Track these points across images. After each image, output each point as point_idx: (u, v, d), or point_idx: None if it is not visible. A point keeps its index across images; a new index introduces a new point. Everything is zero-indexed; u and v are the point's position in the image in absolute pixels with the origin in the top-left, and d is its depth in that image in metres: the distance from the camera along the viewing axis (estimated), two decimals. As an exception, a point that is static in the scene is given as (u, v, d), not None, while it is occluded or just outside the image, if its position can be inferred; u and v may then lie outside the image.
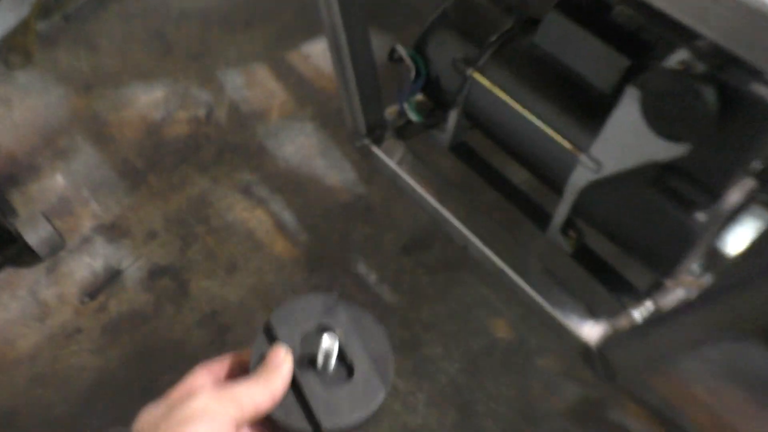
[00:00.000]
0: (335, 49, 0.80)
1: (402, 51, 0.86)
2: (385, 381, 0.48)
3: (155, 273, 1.35)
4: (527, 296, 0.69)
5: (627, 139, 0.62)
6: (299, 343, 0.49)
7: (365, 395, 0.47)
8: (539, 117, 0.71)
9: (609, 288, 0.71)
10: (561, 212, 0.70)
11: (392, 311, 1.27)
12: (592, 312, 0.69)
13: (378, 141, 0.97)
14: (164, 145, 1.53)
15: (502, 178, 0.85)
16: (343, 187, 1.44)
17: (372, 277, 1.31)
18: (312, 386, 0.47)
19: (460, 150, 0.87)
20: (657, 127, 0.57)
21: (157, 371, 1.22)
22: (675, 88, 0.54)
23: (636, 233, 0.66)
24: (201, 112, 1.57)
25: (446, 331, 1.23)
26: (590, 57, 0.66)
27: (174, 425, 0.40)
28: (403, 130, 0.98)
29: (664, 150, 0.58)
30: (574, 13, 0.67)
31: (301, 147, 1.50)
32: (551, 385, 1.15)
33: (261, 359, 0.47)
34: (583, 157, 0.67)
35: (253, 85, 1.61)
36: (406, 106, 0.92)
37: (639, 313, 0.68)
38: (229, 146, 1.52)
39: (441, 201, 0.78)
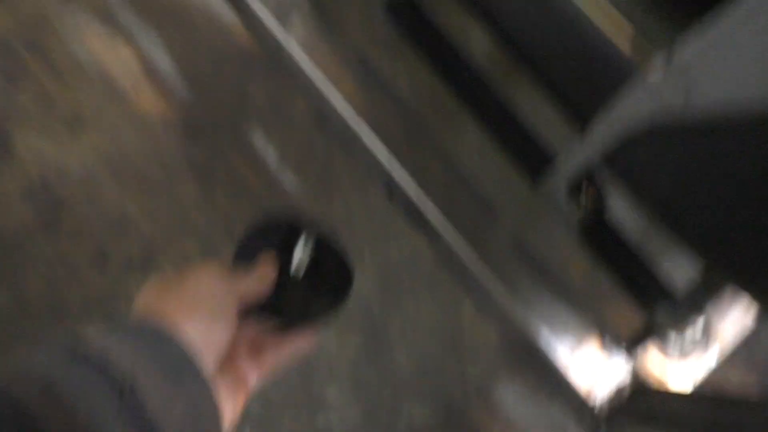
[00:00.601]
0: None
1: None
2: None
3: (-36, 119, 0.97)
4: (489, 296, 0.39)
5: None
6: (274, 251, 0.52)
7: (334, 289, 0.52)
8: None
9: (634, 294, 0.43)
10: (577, 160, 0.39)
11: (294, 201, 0.97)
12: (606, 343, 0.40)
13: None
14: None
15: (471, 70, 0.51)
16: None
17: (271, 156, 1.00)
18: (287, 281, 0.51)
19: (402, 13, 0.52)
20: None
21: (-42, 256, 0.88)
22: None
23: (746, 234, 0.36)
24: None
25: (361, 234, 0.96)
26: None
27: (185, 304, 0.42)
28: None
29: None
30: None
31: (188, -35, 1.10)
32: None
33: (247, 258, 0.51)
34: (655, 71, 0.36)
35: None
36: None
37: (683, 347, 0.41)
38: (85, -49, 1.09)
39: (351, 101, 0.45)
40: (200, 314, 0.41)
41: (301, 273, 0.52)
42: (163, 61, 1.05)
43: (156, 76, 1.03)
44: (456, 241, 0.38)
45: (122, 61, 1.03)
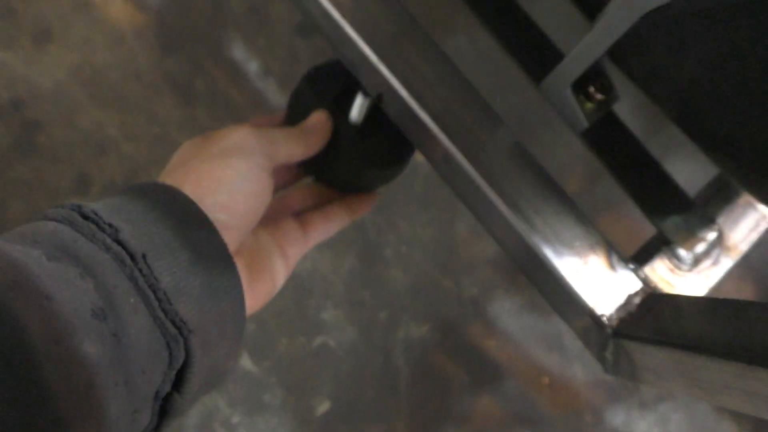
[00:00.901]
0: None
1: None
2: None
3: None
4: (490, 204, 0.36)
5: None
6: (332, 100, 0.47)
7: (396, 150, 0.49)
8: None
9: (642, 204, 0.39)
10: (586, 52, 0.33)
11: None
12: (613, 259, 0.37)
13: None
14: None
15: None
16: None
17: (252, 67, 0.94)
18: (349, 134, 0.47)
19: None
20: None
21: (-69, 183, 0.85)
22: None
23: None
24: None
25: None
26: None
27: (209, 157, 0.38)
28: None
29: None
30: None
31: None
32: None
33: (300, 111, 0.47)
34: None
35: None
36: None
37: (694, 260, 0.37)
38: None
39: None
40: (226, 177, 0.37)
41: (355, 135, 0.47)
42: (132, -36, 0.96)
43: (125, -19, 0.95)
44: (452, 149, 0.35)
45: (86, -36, 0.95)
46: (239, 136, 0.40)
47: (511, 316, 0.88)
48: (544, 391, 0.86)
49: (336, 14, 0.37)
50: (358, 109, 0.45)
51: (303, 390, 0.83)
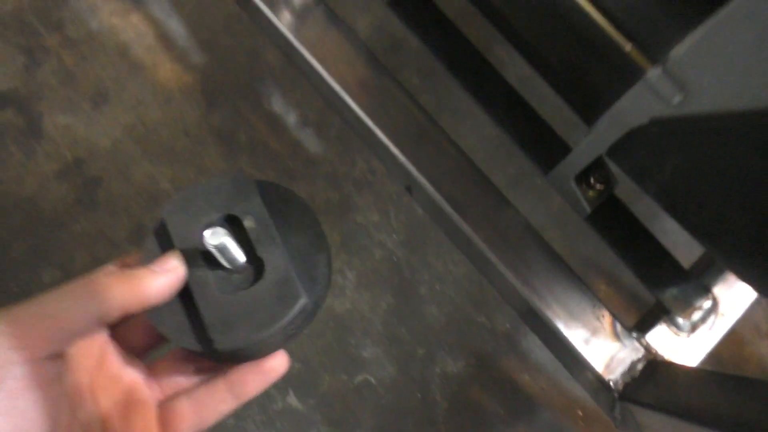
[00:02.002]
0: None
1: None
2: (311, 282, 0.39)
3: (-8, 102, 1.00)
4: (501, 277, 0.41)
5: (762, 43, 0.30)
6: (200, 236, 0.38)
7: (278, 303, 0.37)
8: None
9: (643, 277, 0.44)
10: (584, 153, 0.39)
11: (316, 164, 0.99)
12: (617, 328, 0.42)
13: None
14: None
15: (477, 58, 0.50)
16: (253, -14, 1.05)
17: (291, 118, 1.01)
18: (209, 292, 0.38)
19: (406, 3, 0.50)
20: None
21: (8, 239, 0.94)
22: None
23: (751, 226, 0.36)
24: None
25: (385, 192, 0.98)
26: None
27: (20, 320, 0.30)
28: None
29: None
30: None
31: None
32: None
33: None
34: (652, 73, 0.36)
35: None
36: None
37: (691, 326, 0.42)
38: None
39: (356, 98, 0.45)
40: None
41: (236, 265, 0.38)
42: (176, 27, 1.05)
43: (170, 42, 1.04)
44: (473, 236, 0.40)
45: (136, 29, 1.04)
46: (50, 296, 0.32)
47: (544, 349, 0.92)
48: (577, 423, 0.90)
49: (368, 121, 0.43)
50: (214, 247, 0.37)
51: (346, 425, 0.89)
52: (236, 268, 0.39)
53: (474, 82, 0.50)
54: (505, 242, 0.41)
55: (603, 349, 0.41)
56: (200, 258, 0.38)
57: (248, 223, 0.39)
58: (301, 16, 0.48)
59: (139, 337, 0.39)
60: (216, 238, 0.37)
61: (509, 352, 0.93)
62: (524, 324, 0.43)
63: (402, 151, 0.43)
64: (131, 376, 0.37)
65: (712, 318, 0.43)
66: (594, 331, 0.41)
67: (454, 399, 0.91)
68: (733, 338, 0.93)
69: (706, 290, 0.43)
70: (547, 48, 0.41)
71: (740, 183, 0.34)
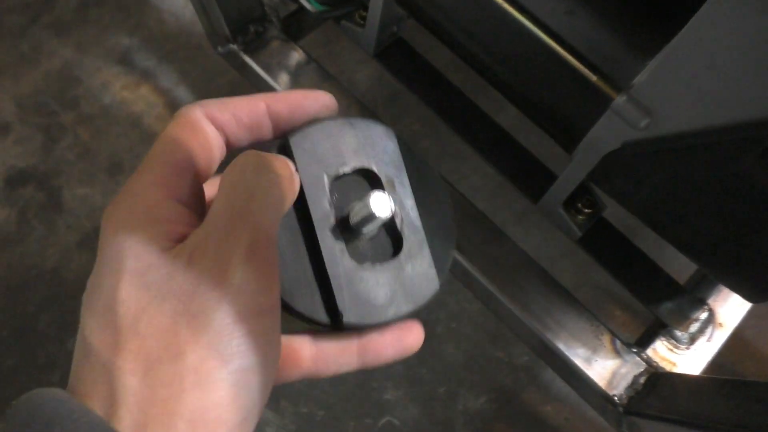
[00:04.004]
0: None
1: None
2: (441, 267, 0.35)
3: (14, 180, 1.06)
4: (503, 306, 0.44)
5: (720, 70, 0.33)
6: (329, 185, 0.33)
7: (411, 283, 0.34)
8: (536, 13, 0.41)
9: (637, 295, 0.46)
10: (567, 181, 0.43)
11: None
12: (617, 345, 0.45)
13: (253, 45, 0.62)
14: (3, -1, 1.15)
15: (462, 101, 0.54)
16: (254, 50, 1.11)
17: (299, 172, 1.05)
18: (341, 260, 0.33)
19: (392, 56, 0.55)
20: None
21: (32, 310, 0.98)
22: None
23: (720, 236, 0.39)
24: (49, -51, 1.17)
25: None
26: None
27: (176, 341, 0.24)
28: (296, 25, 0.63)
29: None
30: None
31: (192, -5, 1.15)
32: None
33: None
34: (618, 100, 0.38)
35: None
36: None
37: (689, 339, 0.44)
38: (93, -3, 1.15)
39: None
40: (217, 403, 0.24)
41: (369, 234, 0.34)
42: (183, 94, 1.11)
43: (178, 108, 1.10)
44: (471, 270, 0.43)
45: (146, 100, 1.10)
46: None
47: (564, 379, 0.94)
48: (604, 451, 0.90)
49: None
50: (365, 213, 0.33)
51: (374, 470, 0.90)
52: (368, 236, 0.34)
53: (462, 124, 0.53)
54: (501, 271, 0.44)
55: (604, 366, 0.43)
56: (330, 214, 0.33)
57: (388, 186, 0.35)
58: (295, 75, 0.53)
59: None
60: (383, 206, 0.32)
61: (530, 384, 0.94)
62: (529, 348, 0.46)
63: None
64: None
65: (710, 329, 0.45)
66: (594, 350, 0.43)
67: (479, 436, 0.91)
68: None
69: (701, 302, 0.46)
70: (525, 87, 0.45)
71: (711, 196, 0.37)
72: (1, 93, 1.10)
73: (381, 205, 0.31)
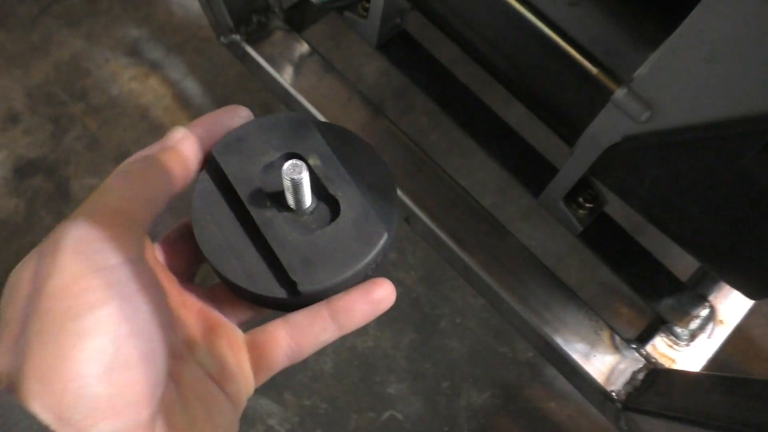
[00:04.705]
0: None
1: None
2: (386, 218, 0.36)
3: (23, 170, 1.07)
4: (504, 303, 0.44)
5: (721, 63, 0.33)
6: (259, 176, 0.37)
7: (358, 239, 0.36)
8: (537, 4, 0.41)
9: (638, 291, 0.46)
10: (568, 175, 0.43)
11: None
12: (616, 340, 0.44)
13: (256, 36, 0.62)
14: (13, -11, 1.16)
15: (466, 95, 0.54)
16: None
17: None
18: (283, 234, 0.35)
19: (396, 48, 0.55)
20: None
21: (39, 299, 0.99)
22: None
23: (723, 234, 0.39)
24: (59, -60, 1.18)
25: (401, 232, 1.01)
26: None
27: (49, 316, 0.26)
28: (299, 15, 0.63)
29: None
30: None
31: (201, -13, 1.15)
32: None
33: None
34: (619, 93, 0.38)
35: None
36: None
37: (690, 335, 0.44)
38: (103, -11, 1.16)
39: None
40: (87, 368, 0.25)
41: (305, 204, 0.36)
42: (191, 86, 1.11)
43: (187, 102, 1.10)
44: (469, 261, 0.43)
45: (154, 92, 1.11)
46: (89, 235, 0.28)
47: (568, 376, 0.93)
48: (607, 448, 0.90)
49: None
50: (290, 182, 0.35)
51: (376, 463, 0.90)
52: (304, 210, 0.37)
53: (464, 116, 0.53)
54: (500, 265, 0.44)
55: (603, 361, 0.43)
56: (265, 199, 0.36)
57: (313, 161, 0.37)
58: (298, 67, 0.53)
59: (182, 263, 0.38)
60: (297, 171, 0.34)
61: (533, 380, 0.94)
62: (529, 343, 0.46)
63: (399, 185, 0.46)
64: (198, 299, 0.36)
65: (710, 326, 0.44)
66: (593, 345, 0.43)
67: (481, 431, 0.91)
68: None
69: (702, 299, 0.45)
70: (525, 79, 0.45)
71: (711, 191, 0.37)
72: (11, 83, 1.11)
73: (294, 168, 0.34)
